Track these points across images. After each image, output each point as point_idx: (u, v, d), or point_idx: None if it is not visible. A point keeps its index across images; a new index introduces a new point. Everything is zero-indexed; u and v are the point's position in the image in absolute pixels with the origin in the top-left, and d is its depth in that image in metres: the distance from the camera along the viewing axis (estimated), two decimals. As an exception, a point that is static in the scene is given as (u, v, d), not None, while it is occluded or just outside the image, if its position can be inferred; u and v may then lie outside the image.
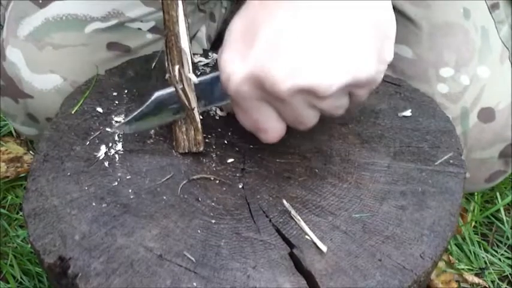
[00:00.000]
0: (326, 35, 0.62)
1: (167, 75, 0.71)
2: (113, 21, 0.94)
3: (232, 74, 0.64)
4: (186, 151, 0.74)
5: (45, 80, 0.93)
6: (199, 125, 0.72)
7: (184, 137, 0.73)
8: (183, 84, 0.69)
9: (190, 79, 0.69)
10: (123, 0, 0.95)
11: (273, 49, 0.62)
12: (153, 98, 0.71)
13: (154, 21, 0.96)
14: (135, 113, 0.72)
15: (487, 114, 0.94)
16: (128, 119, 0.72)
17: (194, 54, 0.80)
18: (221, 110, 0.80)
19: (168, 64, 0.70)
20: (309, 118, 0.67)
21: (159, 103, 0.71)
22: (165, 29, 0.70)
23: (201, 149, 0.73)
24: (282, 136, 0.69)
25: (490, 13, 0.97)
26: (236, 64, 0.64)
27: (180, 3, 0.69)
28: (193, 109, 0.71)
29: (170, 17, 0.69)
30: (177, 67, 0.69)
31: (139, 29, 0.96)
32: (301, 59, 0.62)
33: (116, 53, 0.95)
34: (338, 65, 0.62)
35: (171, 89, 0.70)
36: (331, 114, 0.68)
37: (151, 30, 0.97)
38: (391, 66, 0.96)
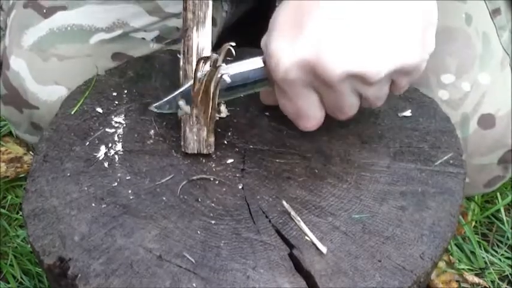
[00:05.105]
0: (374, 21, 0.64)
1: (181, 73, 0.71)
2: (118, 32, 0.94)
3: (282, 59, 0.66)
4: (195, 152, 0.73)
5: (50, 91, 0.93)
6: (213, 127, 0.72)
7: (195, 137, 0.73)
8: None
9: (221, 77, 0.69)
10: (127, 10, 0.95)
11: (323, 35, 0.64)
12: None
13: (158, 30, 0.96)
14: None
15: (487, 121, 0.94)
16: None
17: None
18: (219, 112, 0.80)
19: (183, 62, 0.71)
20: (351, 106, 0.69)
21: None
22: (184, 26, 0.70)
23: (212, 150, 0.73)
24: (320, 125, 0.71)
25: (492, 19, 0.97)
26: (286, 50, 0.65)
27: (210, 3, 0.69)
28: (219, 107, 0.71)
29: (195, 16, 0.69)
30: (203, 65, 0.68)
31: (143, 38, 0.96)
32: (352, 45, 0.64)
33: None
34: (387, 52, 0.64)
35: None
36: (371, 105, 0.70)
37: (155, 39, 0.97)
38: None
